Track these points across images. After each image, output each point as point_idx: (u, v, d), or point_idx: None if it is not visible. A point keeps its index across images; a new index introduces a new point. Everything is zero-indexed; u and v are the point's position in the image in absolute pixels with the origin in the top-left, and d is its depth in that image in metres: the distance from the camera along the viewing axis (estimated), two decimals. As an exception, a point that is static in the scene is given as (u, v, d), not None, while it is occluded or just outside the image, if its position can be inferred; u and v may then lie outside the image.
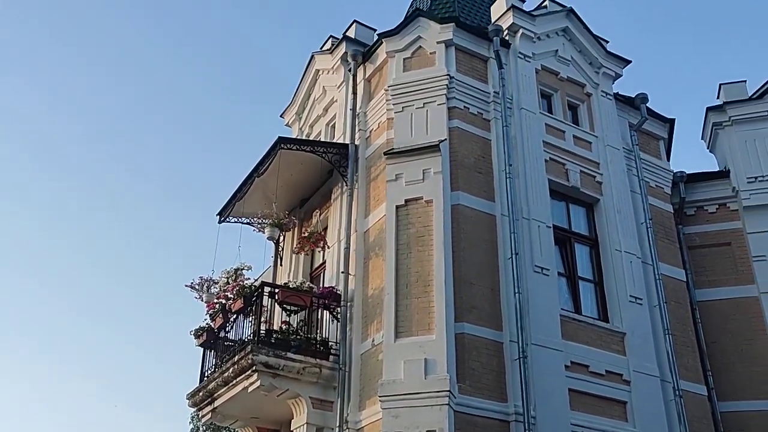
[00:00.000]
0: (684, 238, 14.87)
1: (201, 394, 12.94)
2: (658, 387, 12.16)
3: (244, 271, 12.88)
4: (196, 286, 13.49)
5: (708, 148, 16.62)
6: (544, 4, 15.51)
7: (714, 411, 13.19)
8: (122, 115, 53.64)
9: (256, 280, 13.12)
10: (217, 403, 12.63)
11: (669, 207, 14.82)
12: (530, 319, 11.34)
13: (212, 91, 56.74)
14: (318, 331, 12.12)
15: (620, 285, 12.75)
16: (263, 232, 14.41)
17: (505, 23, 14.01)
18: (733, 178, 15.19)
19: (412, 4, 18.15)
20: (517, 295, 11.40)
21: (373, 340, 11.45)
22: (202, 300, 13.42)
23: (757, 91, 16.06)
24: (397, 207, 11.90)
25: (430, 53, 13.44)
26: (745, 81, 16.15)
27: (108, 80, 52.84)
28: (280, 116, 17.01)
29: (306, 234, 13.83)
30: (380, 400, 10.40)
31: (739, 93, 16.02)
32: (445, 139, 12.34)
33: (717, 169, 15.92)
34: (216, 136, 56.36)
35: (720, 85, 16.31)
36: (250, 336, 11.82)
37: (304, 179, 14.25)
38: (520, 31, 13.99)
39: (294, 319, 12.19)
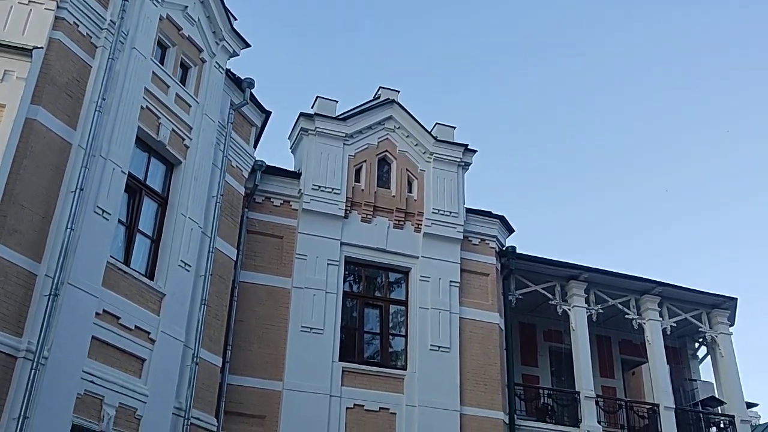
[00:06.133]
0: (246, 222, 15.17)
1: None
2: (180, 351, 11.99)
3: None
4: None
5: (291, 149, 17.30)
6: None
7: (223, 381, 13.57)
8: None
9: None
10: None
11: (242, 189, 14.97)
12: (74, 259, 10.30)
13: None
14: None
15: (175, 248, 12.38)
16: None
17: (146, -42, 12.78)
18: (301, 181, 15.97)
19: None
20: (68, 230, 10.28)
21: None
22: None
23: (342, 114, 17.19)
24: (-40, 99, 9.93)
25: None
26: (337, 101, 17.20)
27: None
28: None
29: None
30: None
31: (329, 109, 16.98)
32: (42, 48, 10.71)
33: (293, 169, 16.62)
34: None
35: (317, 97, 17.14)
36: None
37: None
38: (159, -28, 12.91)
39: None
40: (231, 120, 14.55)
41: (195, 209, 12.94)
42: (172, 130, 12.78)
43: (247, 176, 15.15)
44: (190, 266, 12.59)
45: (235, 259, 14.40)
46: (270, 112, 15.87)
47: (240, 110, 14.93)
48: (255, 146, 15.73)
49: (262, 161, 15.54)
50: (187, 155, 13.07)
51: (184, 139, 13.03)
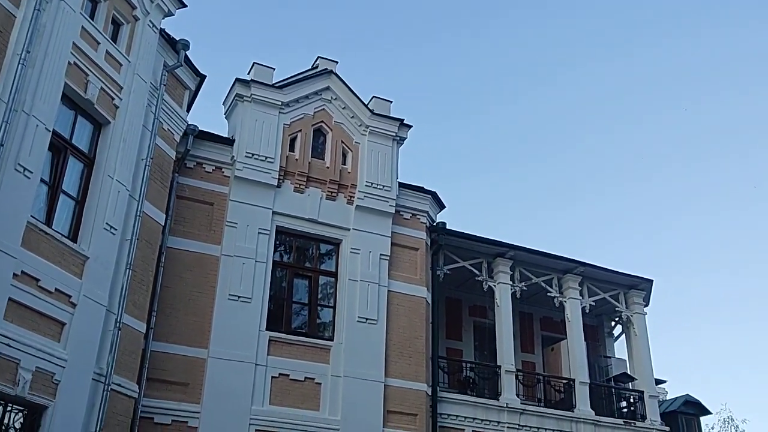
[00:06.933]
0: (176, 187, 14.75)
1: None
2: (102, 316, 11.57)
3: None
4: None
5: (225, 114, 16.85)
6: None
7: (146, 348, 13.25)
8: None
9: None
10: None
11: (173, 153, 14.49)
12: (-8, 218, 9.78)
13: None
14: None
15: (100, 210, 11.89)
16: None
17: None
18: (235, 148, 15.60)
19: None
20: (-14, 188, 9.75)
21: None
22: None
23: (279, 81, 16.82)
24: None
25: None
26: (274, 69, 16.80)
27: None
28: None
29: None
30: None
31: (266, 76, 16.57)
32: (-38, -6, 10.04)
33: (226, 135, 16.20)
34: None
35: (254, 63, 16.70)
36: None
37: None
38: None
39: None
40: (164, 82, 14.02)
41: (123, 171, 12.46)
42: (101, 88, 12.21)
43: (178, 140, 14.68)
44: (115, 230, 12.15)
45: (163, 224, 13.99)
46: (205, 76, 15.38)
47: (173, 72, 14.41)
48: (188, 110, 15.24)
49: (195, 126, 15.08)
50: (117, 115, 12.54)
51: (113, 99, 12.49)
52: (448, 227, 17.86)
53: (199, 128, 15.15)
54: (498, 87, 62.60)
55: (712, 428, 44.72)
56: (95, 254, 11.59)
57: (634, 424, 18.79)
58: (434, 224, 17.80)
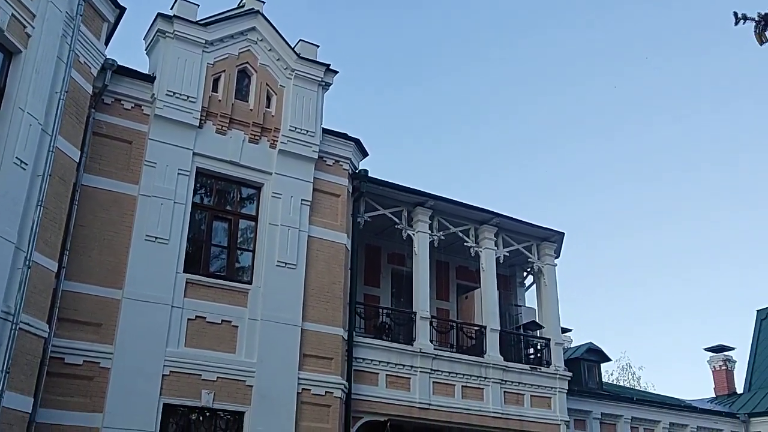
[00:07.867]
0: (92, 123, 14.18)
1: None
2: (10, 253, 11.12)
3: None
4: None
5: (146, 50, 16.19)
6: None
7: (58, 287, 12.86)
8: None
9: None
10: None
11: (89, 88, 13.83)
12: None
13: None
14: None
15: (10, 144, 11.33)
16: None
17: None
18: (155, 86, 15.05)
19: None
20: None
21: None
22: None
23: (203, 19, 16.22)
24: None
25: None
26: (199, 5, 16.15)
27: None
28: None
29: None
30: None
31: (189, 13, 15.93)
32: None
33: (147, 71, 15.60)
34: None
35: (177, -2, 16.04)
36: None
37: None
38: None
39: None
40: (80, 12, 13.28)
41: (35, 104, 11.87)
42: (12, 15, 11.51)
43: (96, 74, 14.01)
44: (26, 164, 11.62)
45: (77, 161, 13.44)
46: (124, 8, 14.65)
47: (91, 2, 13.65)
48: (107, 43, 14.51)
49: (114, 60, 14.43)
50: (29, 45, 11.88)
51: (25, 27, 11.80)
52: (370, 175, 17.89)
53: (119, 62, 14.54)
54: (439, 53, 62.32)
55: (612, 374, 47.34)
56: (4, 189, 11.10)
57: (540, 369, 19.63)
58: (356, 171, 17.79)
